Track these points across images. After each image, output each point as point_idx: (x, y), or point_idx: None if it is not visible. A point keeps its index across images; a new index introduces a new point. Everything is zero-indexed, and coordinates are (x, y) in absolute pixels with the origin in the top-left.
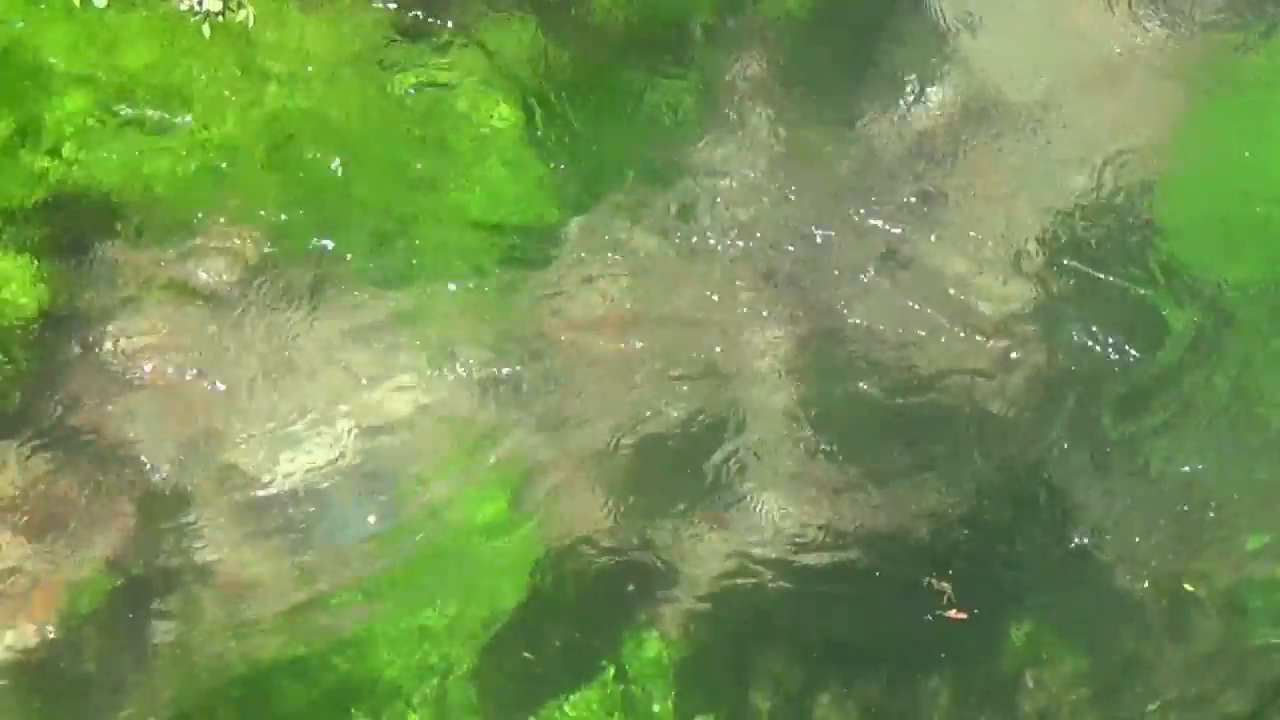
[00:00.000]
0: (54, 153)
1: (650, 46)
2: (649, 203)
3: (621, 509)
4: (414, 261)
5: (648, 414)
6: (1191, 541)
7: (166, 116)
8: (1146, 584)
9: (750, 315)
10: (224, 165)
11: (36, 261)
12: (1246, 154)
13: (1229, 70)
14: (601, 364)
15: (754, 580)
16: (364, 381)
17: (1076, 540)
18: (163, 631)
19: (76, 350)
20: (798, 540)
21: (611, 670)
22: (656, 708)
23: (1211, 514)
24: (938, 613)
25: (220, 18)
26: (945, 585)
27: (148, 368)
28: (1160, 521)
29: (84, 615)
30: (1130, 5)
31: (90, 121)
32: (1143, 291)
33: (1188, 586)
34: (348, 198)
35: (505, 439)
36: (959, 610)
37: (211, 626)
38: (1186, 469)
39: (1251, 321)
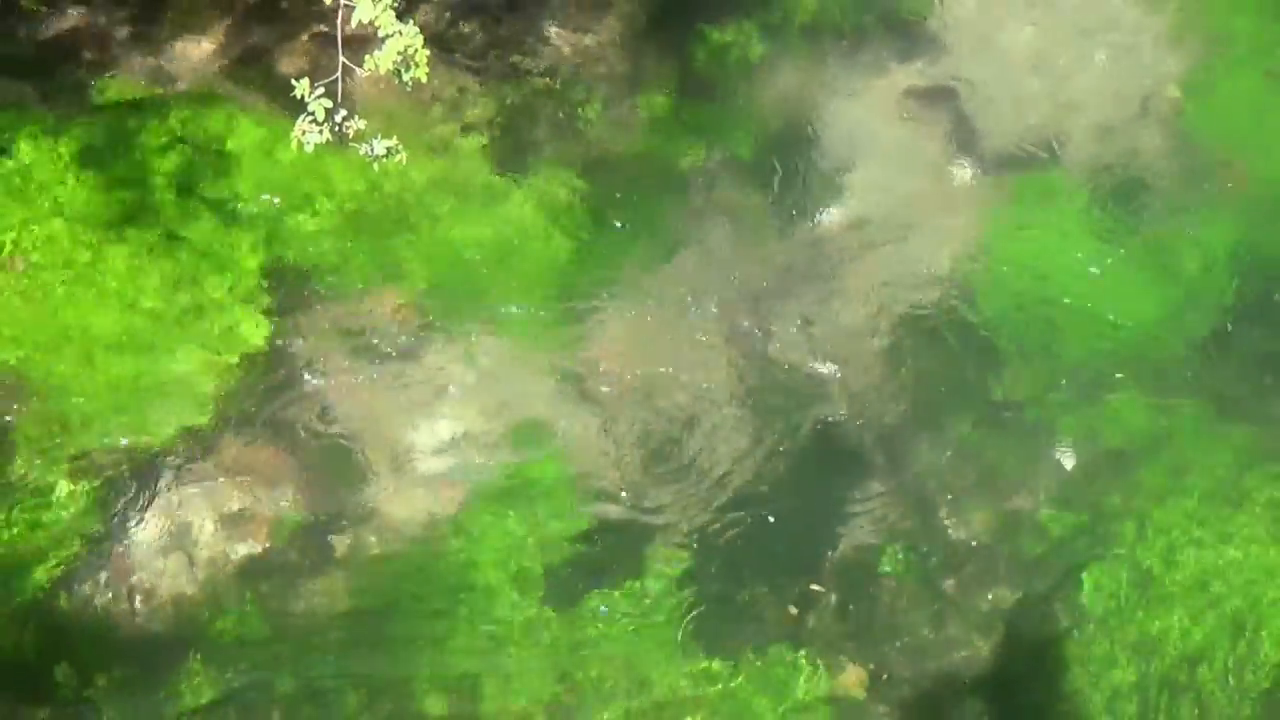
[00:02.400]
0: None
1: (644, 176)
2: (644, 285)
3: (616, 458)
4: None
5: (635, 403)
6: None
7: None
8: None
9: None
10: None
11: (259, 311)
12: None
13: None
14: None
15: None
16: (469, 392)
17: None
18: (338, 547)
19: (283, 372)
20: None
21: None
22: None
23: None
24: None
25: (384, 160)
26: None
27: (333, 380)
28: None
29: (287, 536)
30: (954, 152)
31: (304, 220)
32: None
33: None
34: (471, 276)
35: (557, 425)
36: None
37: (365, 544)
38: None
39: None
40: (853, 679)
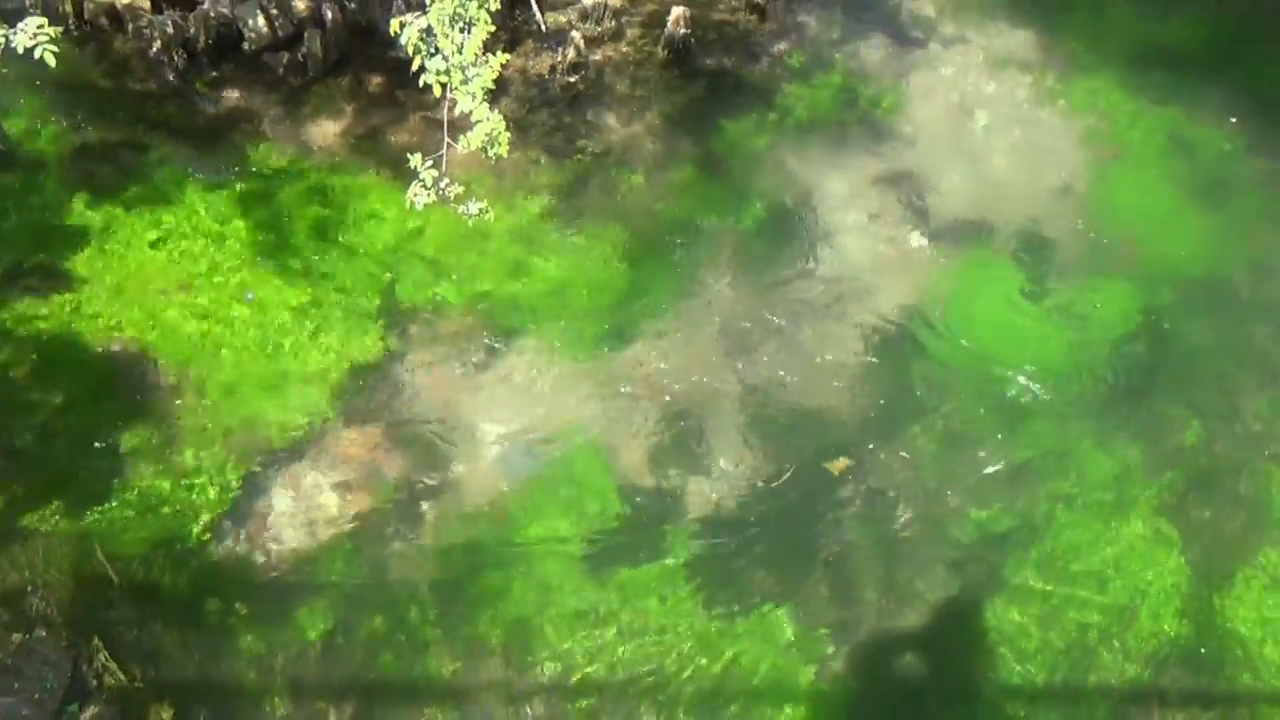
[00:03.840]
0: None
1: (672, 232)
2: (668, 315)
3: (644, 450)
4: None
5: (658, 412)
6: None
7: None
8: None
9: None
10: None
11: (373, 326)
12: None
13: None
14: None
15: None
16: (530, 394)
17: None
18: (426, 512)
19: (388, 374)
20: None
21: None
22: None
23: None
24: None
25: (476, 216)
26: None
27: (425, 382)
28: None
29: (386, 502)
30: (911, 224)
31: (411, 259)
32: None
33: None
34: (534, 305)
35: (597, 422)
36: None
37: (446, 510)
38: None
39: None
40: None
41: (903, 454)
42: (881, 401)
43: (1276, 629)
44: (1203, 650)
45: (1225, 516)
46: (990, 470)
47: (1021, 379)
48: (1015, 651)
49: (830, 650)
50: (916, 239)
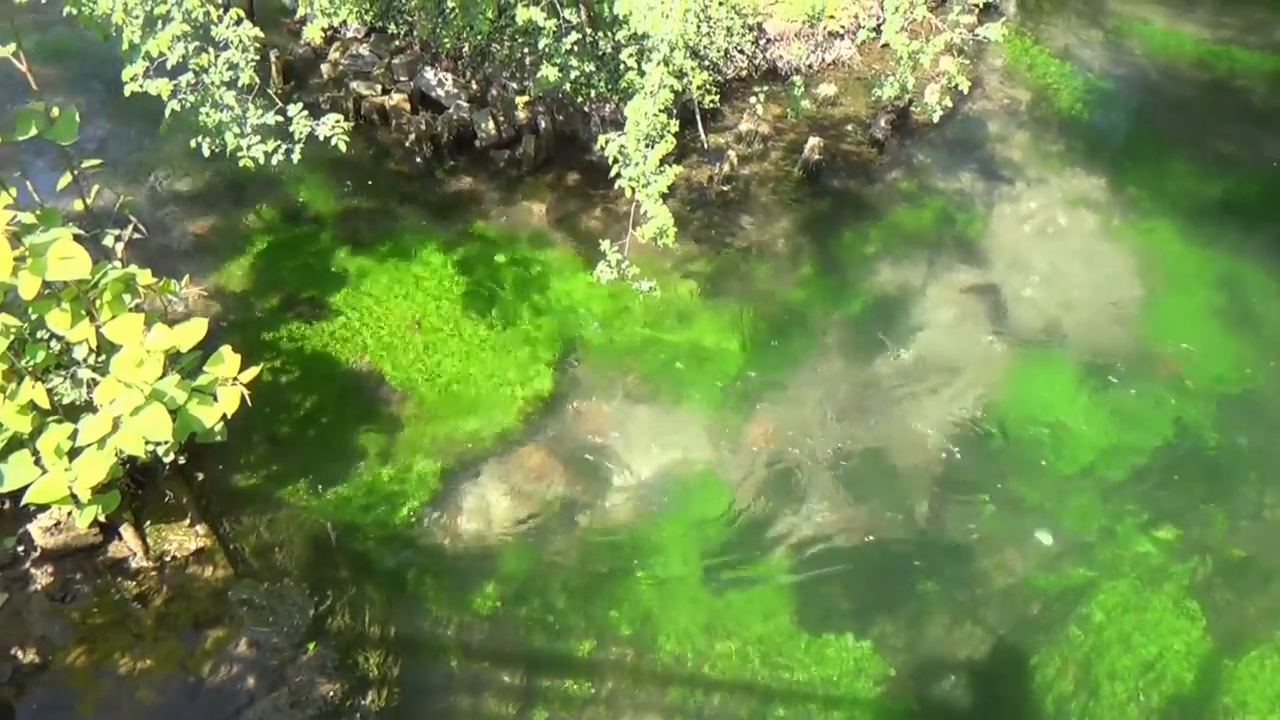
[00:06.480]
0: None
1: (792, 316)
2: (783, 385)
3: (754, 493)
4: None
5: (769, 460)
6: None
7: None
8: None
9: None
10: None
11: (550, 368)
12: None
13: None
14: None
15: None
16: (665, 437)
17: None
18: (580, 521)
19: (559, 406)
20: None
21: None
22: None
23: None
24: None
25: (646, 293)
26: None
27: (588, 415)
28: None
29: (551, 509)
30: (990, 328)
31: (586, 318)
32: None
33: None
34: (677, 365)
35: (719, 465)
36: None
37: (597, 521)
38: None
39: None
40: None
41: (969, 525)
42: (955, 471)
43: None
44: (1216, 712)
45: (1246, 600)
46: (1043, 538)
47: (1076, 465)
48: (1055, 696)
49: (893, 672)
50: (994, 340)
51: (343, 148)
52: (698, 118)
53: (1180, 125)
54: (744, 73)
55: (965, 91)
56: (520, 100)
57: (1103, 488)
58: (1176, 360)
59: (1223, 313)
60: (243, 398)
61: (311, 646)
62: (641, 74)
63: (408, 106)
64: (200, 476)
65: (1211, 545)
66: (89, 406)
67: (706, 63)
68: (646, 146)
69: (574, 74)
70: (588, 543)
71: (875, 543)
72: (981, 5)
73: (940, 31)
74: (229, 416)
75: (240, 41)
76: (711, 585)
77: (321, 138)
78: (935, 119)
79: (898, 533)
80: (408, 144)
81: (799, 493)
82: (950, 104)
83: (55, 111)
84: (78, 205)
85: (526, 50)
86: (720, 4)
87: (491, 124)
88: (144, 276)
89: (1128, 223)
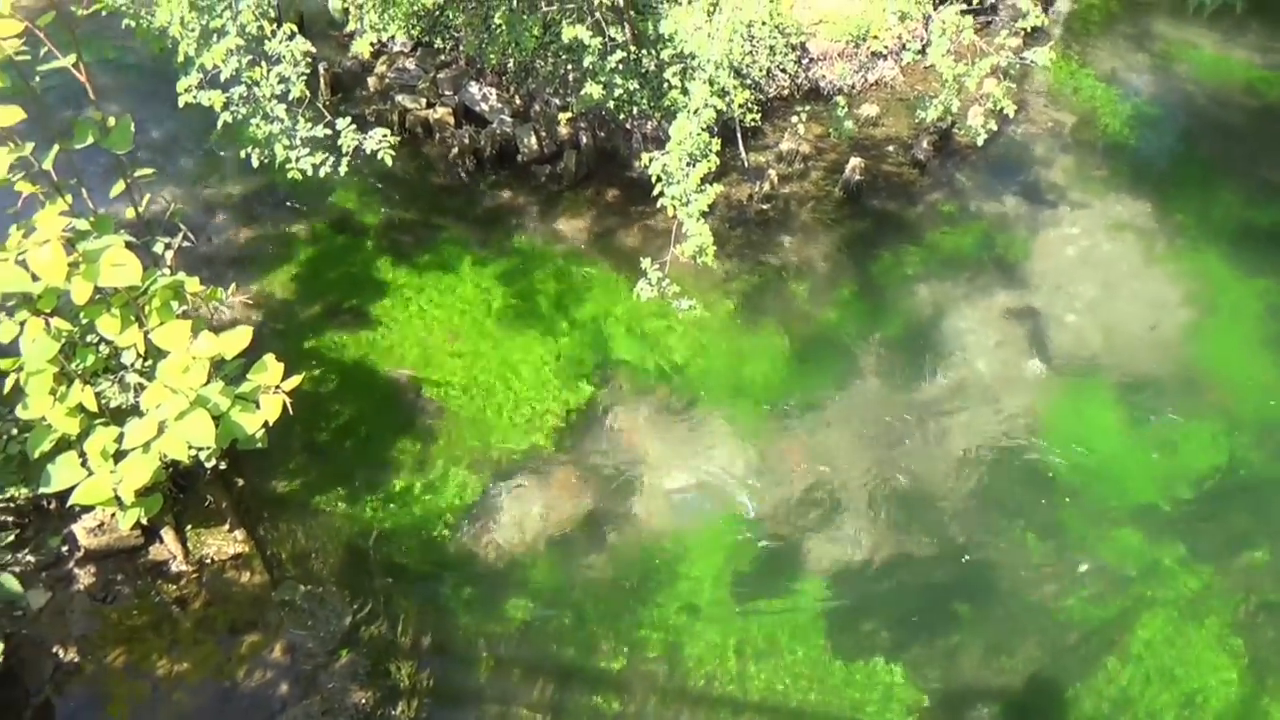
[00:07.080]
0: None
1: (830, 336)
2: (819, 404)
3: (785, 511)
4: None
5: (804, 480)
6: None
7: (650, 347)
8: None
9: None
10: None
11: (586, 381)
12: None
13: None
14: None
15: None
16: (700, 452)
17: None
18: (609, 535)
19: (594, 420)
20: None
21: None
22: None
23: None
24: None
25: (685, 310)
26: None
27: (622, 429)
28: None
29: (580, 523)
30: (1030, 352)
31: (623, 333)
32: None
33: None
34: (713, 381)
35: (751, 482)
36: None
37: (625, 536)
38: None
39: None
40: None
41: (1007, 553)
42: (993, 497)
43: None
44: None
45: None
46: (1083, 568)
47: (1118, 494)
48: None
49: (926, 701)
50: (1033, 365)
51: (389, 161)
52: (739, 136)
53: (1228, 151)
54: (786, 92)
55: (1010, 115)
56: (563, 116)
57: (1145, 518)
58: (1222, 390)
59: (1271, 343)
60: (284, 405)
61: (344, 653)
62: (685, 92)
63: (452, 120)
64: (240, 482)
65: (1255, 581)
66: (135, 410)
67: (749, 81)
68: (688, 165)
69: (618, 91)
70: (617, 558)
71: (910, 568)
72: (1029, 29)
73: (986, 54)
74: (270, 423)
75: (292, 56)
76: (743, 606)
77: (368, 151)
78: (979, 142)
79: (934, 559)
80: (451, 157)
81: (834, 515)
82: (994, 127)
83: (111, 121)
84: (130, 213)
85: (570, 67)
86: (764, 24)
87: (534, 139)
88: (192, 284)
89: (1173, 249)
